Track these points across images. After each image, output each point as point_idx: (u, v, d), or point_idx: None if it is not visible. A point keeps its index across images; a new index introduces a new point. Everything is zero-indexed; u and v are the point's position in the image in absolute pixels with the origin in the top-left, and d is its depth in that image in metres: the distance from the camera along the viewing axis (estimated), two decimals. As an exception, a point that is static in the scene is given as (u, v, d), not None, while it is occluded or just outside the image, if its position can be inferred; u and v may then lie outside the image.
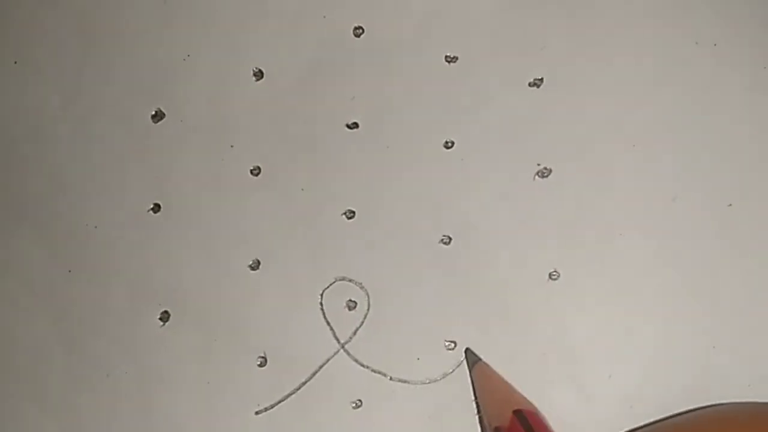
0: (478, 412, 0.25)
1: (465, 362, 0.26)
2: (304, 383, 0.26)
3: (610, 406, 0.25)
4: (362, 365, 0.26)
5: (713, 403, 0.24)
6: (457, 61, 0.27)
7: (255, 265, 0.27)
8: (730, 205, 0.26)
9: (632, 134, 0.26)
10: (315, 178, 0.27)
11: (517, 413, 0.22)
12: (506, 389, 0.24)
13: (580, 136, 0.26)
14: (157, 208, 0.27)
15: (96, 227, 0.27)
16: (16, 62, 0.28)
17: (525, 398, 0.23)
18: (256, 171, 0.27)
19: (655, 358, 0.25)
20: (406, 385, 0.26)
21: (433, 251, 0.26)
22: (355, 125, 0.27)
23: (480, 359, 0.25)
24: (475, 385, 0.25)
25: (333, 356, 0.26)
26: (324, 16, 0.27)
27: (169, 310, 0.27)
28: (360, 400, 0.26)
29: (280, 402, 0.26)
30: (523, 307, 0.26)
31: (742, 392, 0.25)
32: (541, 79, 0.27)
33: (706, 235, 0.26)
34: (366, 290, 0.26)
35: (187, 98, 0.27)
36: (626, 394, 0.25)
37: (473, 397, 0.25)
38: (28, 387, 0.27)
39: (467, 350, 0.26)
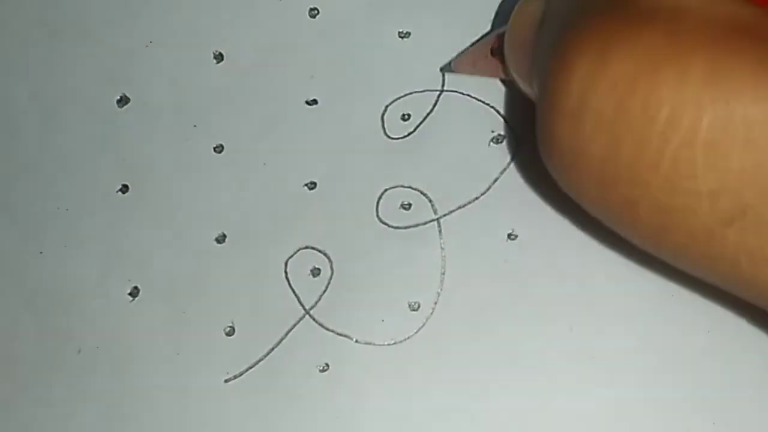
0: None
1: (442, 72, 0.28)
2: (271, 350, 0.27)
3: None
4: (327, 329, 0.27)
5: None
6: (410, 37, 0.28)
7: (221, 239, 0.27)
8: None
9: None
10: (276, 153, 0.28)
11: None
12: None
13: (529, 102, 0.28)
14: (125, 188, 0.28)
15: (67, 209, 0.28)
16: (-16, 55, 0.29)
17: None
18: (219, 149, 0.28)
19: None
20: (371, 347, 0.26)
21: (394, 216, 0.27)
22: (314, 102, 0.28)
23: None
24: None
25: (298, 322, 0.27)
26: (280, 0, 0.29)
27: (138, 285, 0.27)
28: (327, 364, 0.26)
29: (248, 369, 0.26)
30: (485, 266, 0.27)
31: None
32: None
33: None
34: (329, 257, 0.27)
35: (150, 83, 0.28)
36: None
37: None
38: (0, 366, 0.27)
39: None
